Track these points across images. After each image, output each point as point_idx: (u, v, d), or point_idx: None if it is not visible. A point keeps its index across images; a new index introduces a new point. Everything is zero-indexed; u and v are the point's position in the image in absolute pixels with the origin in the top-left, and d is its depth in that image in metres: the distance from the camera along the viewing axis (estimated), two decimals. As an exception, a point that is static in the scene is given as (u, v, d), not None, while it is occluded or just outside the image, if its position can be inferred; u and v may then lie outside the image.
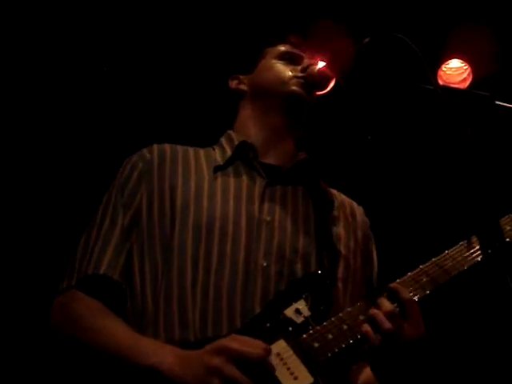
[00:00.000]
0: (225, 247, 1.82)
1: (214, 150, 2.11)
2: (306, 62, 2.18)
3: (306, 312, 1.74)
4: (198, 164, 2.02)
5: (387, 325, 1.69)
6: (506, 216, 2.00)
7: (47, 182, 3.97)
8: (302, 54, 2.22)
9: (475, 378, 4.09)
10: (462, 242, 1.92)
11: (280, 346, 1.67)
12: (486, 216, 1.56)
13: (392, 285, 1.79)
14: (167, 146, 2.05)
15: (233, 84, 2.27)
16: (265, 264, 1.82)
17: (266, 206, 1.93)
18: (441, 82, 3.98)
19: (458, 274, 1.85)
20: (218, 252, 1.82)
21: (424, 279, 1.82)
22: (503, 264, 1.50)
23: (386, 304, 1.73)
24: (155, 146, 2.04)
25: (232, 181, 1.97)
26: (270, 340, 1.66)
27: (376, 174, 4.40)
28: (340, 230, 2.03)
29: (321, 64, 2.13)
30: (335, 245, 1.97)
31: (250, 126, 2.15)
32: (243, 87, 2.24)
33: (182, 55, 3.97)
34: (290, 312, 1.74)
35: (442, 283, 1.82)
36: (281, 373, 1.62)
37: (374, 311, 1.72)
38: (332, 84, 2.15)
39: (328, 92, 2.21)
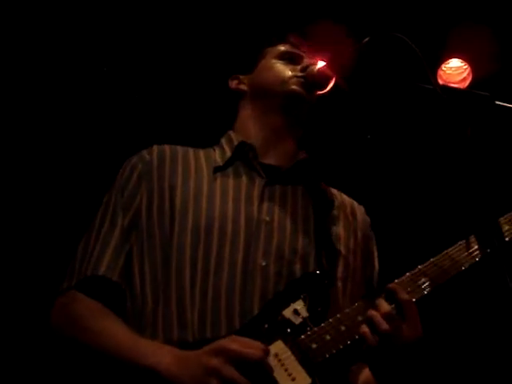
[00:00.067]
0: (223, 247, 1.82)
1: (214, 150, 2.11)
2: (306, 61, 2.17)
3: (304, 313, 1.74)
4: (197, 164, 2.01)
5: (385, 326, 1.69)
6: (506, 215, 2.00)
7: (48, 183, 3.97)
8: (301, 53, 2.22)
9: (474, 378, 4.08)
10: (460, 242, 1.91)
11: (278, 347, 1.67)
12: (485, 215, 1.56)
13: (390, 285, 1.79)
14: (167, 147, 2.05)
15: (233, 84, 2.27)
16: (264, 264, 1.82)
17: (265, 206, 1.93)
18: (441, 82, 3.98)
19: (456, 274, 1.85)
20: (216, 252, 1.82)
21: (422, 279, 1.81)
22: (502, 263, 1.50)
23: (384, 305, 1.73)
24: (155, 147, 2.04)
25: (231, 181, 1.97)
26: (269, 341, 1.66)
27: (376, 173, 4.39)
28: (340, 229, 2.03)
29: (321, 64, 2.13)
30: (335, 244, 1.96)
31: (250, 126, 2.15)
32: (243, 87, 2.23)
33: (182, 55, 3.96)
34: (288, 313, 1.74)
35: (441, 283, 1.82)
36: (279, 374, 1.62)
37: (371, 312, 1.72)
38: (332, 84, 2.15)
39: (328, 92, 2.21)
